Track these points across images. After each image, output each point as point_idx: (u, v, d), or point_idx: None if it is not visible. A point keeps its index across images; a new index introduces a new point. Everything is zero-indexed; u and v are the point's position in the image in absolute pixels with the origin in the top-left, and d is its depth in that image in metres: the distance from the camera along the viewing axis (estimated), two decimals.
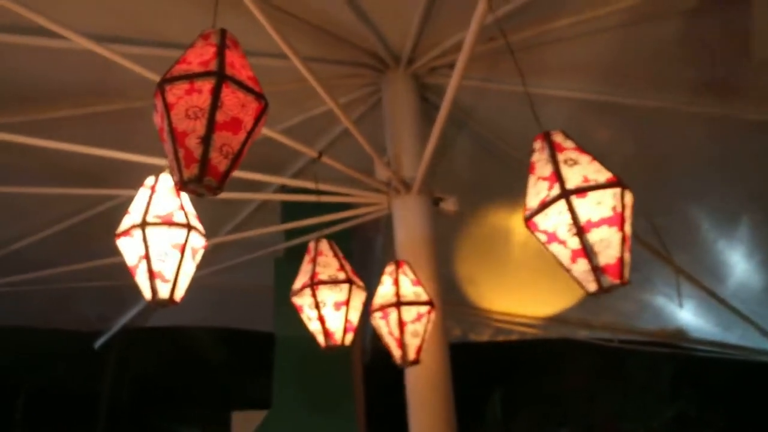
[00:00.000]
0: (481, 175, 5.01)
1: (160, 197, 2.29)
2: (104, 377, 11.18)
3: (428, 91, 4.30)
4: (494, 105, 4.39)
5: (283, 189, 5.09)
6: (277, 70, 3.78)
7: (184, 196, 2.33)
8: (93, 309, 6.71)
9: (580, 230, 1.91)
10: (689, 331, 6.73)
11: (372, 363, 7.14)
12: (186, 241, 2.19)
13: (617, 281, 1.87)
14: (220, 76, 1.60)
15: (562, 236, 1.95)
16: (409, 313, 3.04)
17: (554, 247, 1.99)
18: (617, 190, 1.92)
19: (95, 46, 2.95)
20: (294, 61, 2.99)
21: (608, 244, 1.90)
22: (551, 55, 3.86)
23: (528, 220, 2.04)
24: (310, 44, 3.75)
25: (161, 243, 2.17)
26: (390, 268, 3.20)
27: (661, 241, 5.33)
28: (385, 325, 3.09)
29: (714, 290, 5.78)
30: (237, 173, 3.68)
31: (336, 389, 5.09)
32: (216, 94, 1.58)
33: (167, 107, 1.59)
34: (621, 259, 1.88)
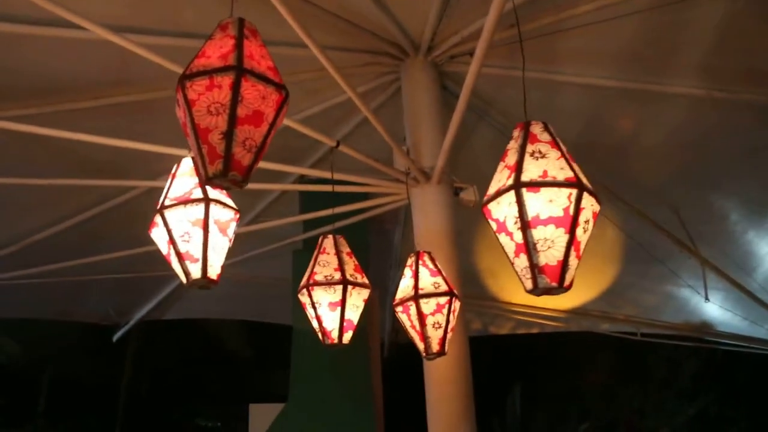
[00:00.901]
0: None
1: (179, 181, 2.26)
2: (122, 370, 11.26)
3: (448, 79, 4.23)
4: (514, 93, 4.30)
5: (302, 180, 5.05)
6: (294, 59, 3.73)
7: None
8: (111, 302, 6.74)
9: (525, 225, 1.84)
10: (714, 324, 6.61)
11: (390, 357, 7.11)
12: (206, 215, 2.13)
13: (554, 284, 1.80)
14: (239, 71, 1.59)
15: (510, 228, 1.89)
16: (428, 305, 3.00)
17: (502, 238, 1.94)
18: (573, 191, 1.85)
19: (113, 36, 2.92)
20: (312, 49, 2.94)
21: (552, 244, 1.82)
22: (573, 41, 3.77)
23: (484, 206, 1.99)
24: (329, 33, 3.70)
25: (181, 223, 2.13)
26: (410, 260, 3.16)
27: (686, 232, 5.22)
28: (407, 319, 3.07)
29: (741, 283, 5.66)
30: None
31: (354, 383, 5.06)
32: (236, 88, 1.58)
33: (188, 104, 1.60)
34: (563, 263, 1.81)
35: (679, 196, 5.02)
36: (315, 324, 3.02)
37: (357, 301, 3.05)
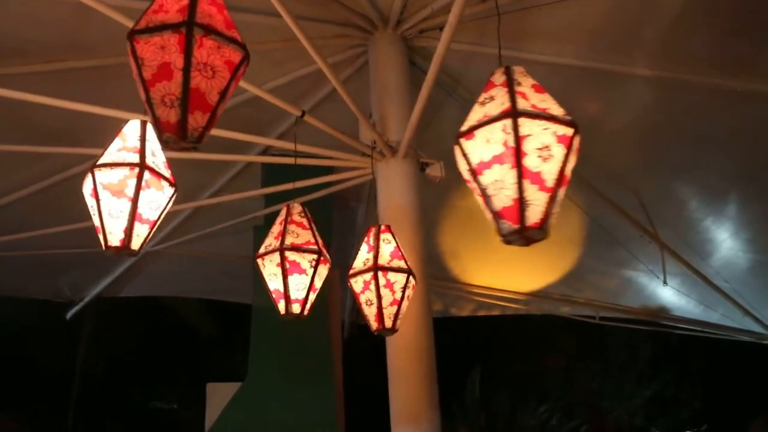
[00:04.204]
0: None
1: None
2: (76, 350, 10.94)
3: (416, 54, 4.19)
4: (483, 71, 4.24)
5: (266, 153, 4.95)
6: (259, 27, 3.64)
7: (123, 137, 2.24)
8: (65, 277, 6.54)
9: (473, 173, 1.76)
10: (671, 309, 6.72)
11: (351, 337, 7.09)
12: (93, 184, 2.12)
13: (516, 226, 1.65)
14: (130, 36, 1.58)
15: (471, 182, 1.81)
16: (357, 284, 3.02)
17: (475, 195, 1.83)
18: (506, 122, 1.71)
19: None
20: (285, 18, 2.86)
21: (502, 184, 1.68)
22: (542, 19, 3.74)
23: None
24: (297, 1, 3.60)
25: (87, 198, 2.17)
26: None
27: (647, 216, 5.27)
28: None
29: (698, 268, 5.74)
30: (214, 132, 3.58)
31: (314, 362, 5.01)
32: (134, 54, 1.56)
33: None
34: (519, 200, 1.65)
35: (641, 181, 5.06)
36: (280, 289, 2.90)
37: (323, 273, 2.97)
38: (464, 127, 1.79)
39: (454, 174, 4.33)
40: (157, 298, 8.47)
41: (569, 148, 1.73)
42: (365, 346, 5.75)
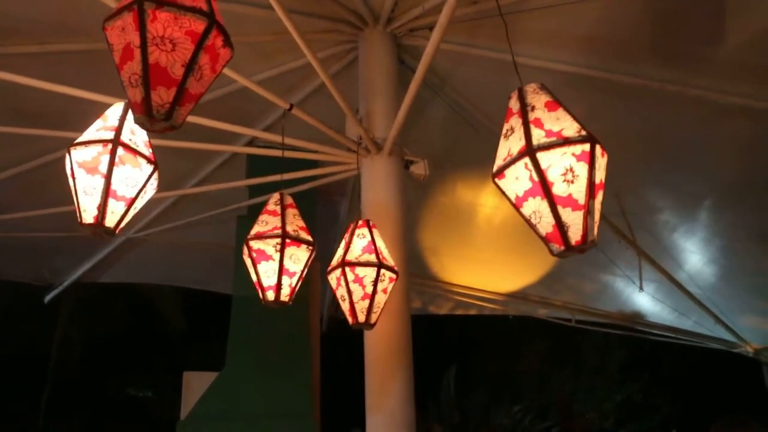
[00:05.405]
0: (453, 143, 4.94)
1: None
2: (53, 333, 10.85)
3: (405, 53, 4.21)
4: (471, 72, 4.32)
5: (252, 145, 4.96)
6: (249, 19, 3.65)
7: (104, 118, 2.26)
8: (45, 261, 6.49)
9: (515, 206, 1.90)
10: (646, 315, 6.82)
11: (329, 331, 7.11)
12: (70, 163, 2.13)
13: (562, 248, 1.80)
14: (103, 27, 1.61)
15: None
16: (332, 279, 3.06)
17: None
18: (525, 160, 1.84)
19: None
20: (278, 12, 2.87)
21: (540, 214, 1.84)
22: (534, 22, 3.78)
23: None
24: None
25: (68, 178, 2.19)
26: None
27: (627, 222, 5.34)
28: None
29: (673, 274, 5.83)
30: (199, 120, 3.59)
31: (291, 354, 5.01)
32: (108, 44, 1.59)
33: None
34: (557, 225, 1.80)
35: (622, 187, 5.12)
36: (254, 278, 2.94)
37: (299, 256, 2.97)
38: (495, 168, 1.94)
39: (438, 172, 4.41)
40: (136, 285, 8.45)
41: (591, 161, 1.84)
42: (344, 340, 5.79)
